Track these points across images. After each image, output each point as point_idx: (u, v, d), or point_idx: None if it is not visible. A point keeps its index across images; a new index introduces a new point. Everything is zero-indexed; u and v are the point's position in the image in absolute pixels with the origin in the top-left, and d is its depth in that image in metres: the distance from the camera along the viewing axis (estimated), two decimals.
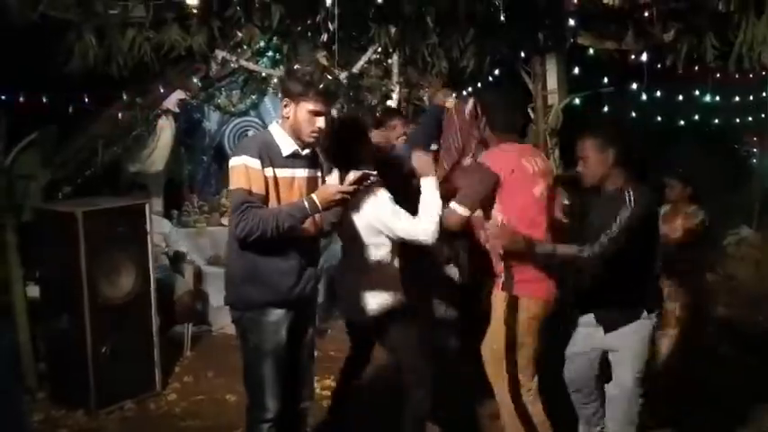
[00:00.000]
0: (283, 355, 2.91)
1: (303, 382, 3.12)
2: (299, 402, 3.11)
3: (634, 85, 5.57)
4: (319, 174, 3.10)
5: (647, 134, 6.46)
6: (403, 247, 3.27)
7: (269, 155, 2.82)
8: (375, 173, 2.94)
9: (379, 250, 3.20)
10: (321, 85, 2.88)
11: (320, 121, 2.85)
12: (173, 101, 4.73)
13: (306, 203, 2.80)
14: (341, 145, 3.17)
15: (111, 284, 4.13)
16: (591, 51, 5.05)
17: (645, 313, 3.18)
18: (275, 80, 5.17)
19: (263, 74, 5.11)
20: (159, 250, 5.36)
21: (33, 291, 4.38)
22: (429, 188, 3.12)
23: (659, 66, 4.82)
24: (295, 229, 2.81)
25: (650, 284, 3.31)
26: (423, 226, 3.05)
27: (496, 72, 5.53)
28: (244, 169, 2.76)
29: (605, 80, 5.62)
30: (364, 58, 4.95)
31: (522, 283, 3.14)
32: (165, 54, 4.46)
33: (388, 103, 5.11)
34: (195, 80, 4.72)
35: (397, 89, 5.07)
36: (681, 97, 6.33)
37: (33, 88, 4.20)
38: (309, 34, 4.85)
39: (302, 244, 2.93)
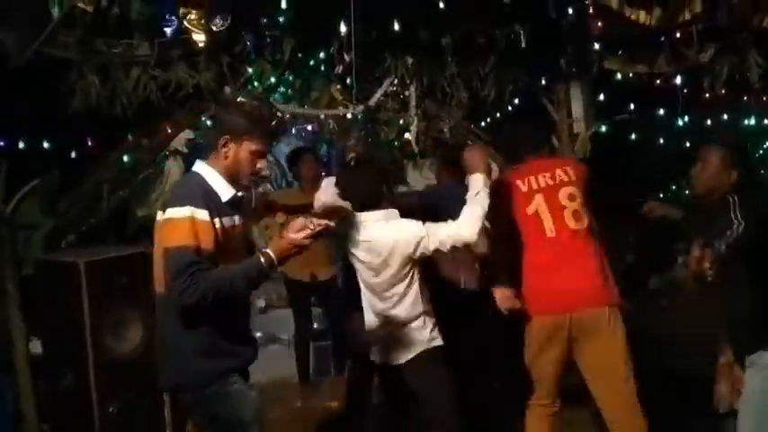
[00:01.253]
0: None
1: None
2: None
3: (662, 111, 5.33)
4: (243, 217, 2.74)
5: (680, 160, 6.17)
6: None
7: (213, 202, 2.48)
8: (330, 222, 2.62)
9: (411, 283, 3.12)
10: (272, 123, 2.60)
11: (261, 163, 2.58)
12: (181, 140, 4.51)
13: (262, 260, 2.46)
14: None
15: (118, 338, 3.86)
16: (618, 76, 4.82)
17: None
18: (287, 116, 4.94)
19: (274, 110, 4.88)
20: None
21: (36, 346, 4.13)
22: (477, 185, 3.07)
23: (689, 89, 4.60)
24: (248, 291, 2.56)
25: None
26: (466, 223, 2.99)
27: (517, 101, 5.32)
28: (189, 223, 2.38)
29: (632, 106, 5.37)
30: (380, 91, 4.73)
31: None
32: (172, 92, 4.27)
33: (406, 136, 4.87)
34: (204, 119, 4.49)
35: (414, 122, 4.85)
36: (711, 122, 6.06)
37: (33, 132, 3.98)
38: (323, 68, 4.67)
39: (245, 301, 2.70)
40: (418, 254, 3.05)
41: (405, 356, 3.18)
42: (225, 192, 2.52)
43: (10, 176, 3.94)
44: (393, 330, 3.18)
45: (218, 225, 2.46)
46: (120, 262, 3.92)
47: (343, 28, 3.90)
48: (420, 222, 3.07)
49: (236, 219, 2.59)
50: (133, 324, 3.93)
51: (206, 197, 2.46)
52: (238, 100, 2.73)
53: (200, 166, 2.57)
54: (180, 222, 2.40)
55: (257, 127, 2.55)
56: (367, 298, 3.25)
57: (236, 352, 2.58)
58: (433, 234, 3.02)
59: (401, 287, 3.13)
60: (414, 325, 3.16)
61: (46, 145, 4.12)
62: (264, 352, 3.68)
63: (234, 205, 2.57)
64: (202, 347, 2.50)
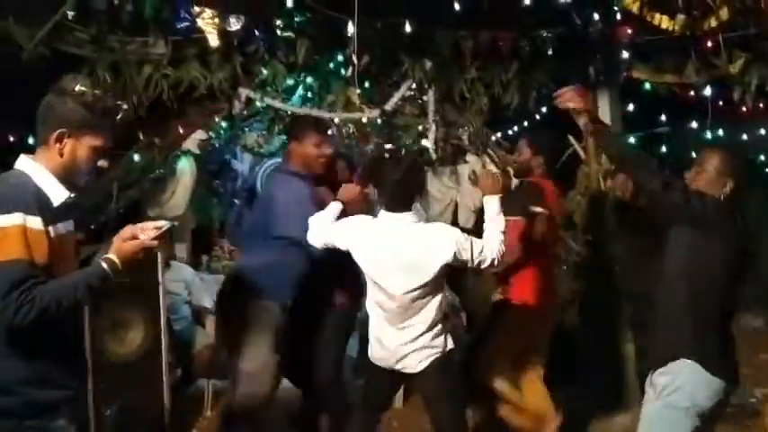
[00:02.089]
0: None
1: None
2: None
3: (694, 123, 5.12)
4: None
5: None
6: None
7: (45, 207, 2.15)
8: (174, 222, 2.41)
9: (438, 291, 3.08)
10: (117, 116, 2.44)
11: (102, 161, 2.33)
12: (193, 141, 4.46)
13: (105, 266, 2.18)
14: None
15: (117, 340, 3.82)
16: (647, 86, 4.63)
17: None
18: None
19: (289, 112, 4.81)
20: (181, 299, 5.06)
21: None
22: (494, 206, 3.18)
23: (722, 101, 4.39)
24: (84, 301, 2.22)
25: None
26: (491, 245, 3.05)
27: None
28: (20, 232, 2.06)
29: (663, 117, 5.17)
30: (398, 95, 4.62)
31: None
32: (185, 92, 4.22)
33: (424, 142, 4.75)
34: (217, 119, 4.44)
35: (432, 128, 4.72)
36: (746, 136, 5.81)
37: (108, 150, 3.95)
38: (342, 71, 4.58)
39: (72, 325, 2.39)
40: (458, 261, 3.00)
41: (421, 365, 3.11)
42: (56, 194, 2.21)
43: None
44: (410, 339, 3.09)
45: (52, 234, 2.16)
46: None
47: (352, 29, 3.79)
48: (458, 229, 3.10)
49: (69, 225, 2.30)
50: (133, 325, 3.89)
51: (38, 201, 2.14)
52: (77, 89, 2.23)
53: (25, 163, 2.22)
54: (10, 232, 2.07)
55: (101, 120, 2.25)
56: (383, 304, 3.12)
57: (66, 383, 2.25)
58: (475, 244, 3.02)
59: (428, 294, 3.04)
60: (432, 332, 3.09)
61: None
62: None
63: (66, 209, 2.27)
64: (33, 375, 2.18)
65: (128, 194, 4.43)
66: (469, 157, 5.00)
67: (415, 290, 3.01)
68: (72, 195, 2.25)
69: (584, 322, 4.95)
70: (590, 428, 4.40)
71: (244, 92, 4.43)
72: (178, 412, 4.27)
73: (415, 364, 3.11)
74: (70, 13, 3.86)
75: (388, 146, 4.86)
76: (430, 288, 3.03)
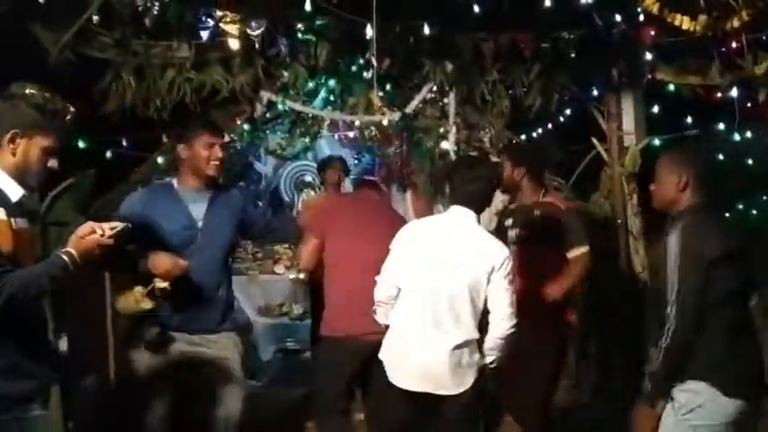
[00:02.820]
0: None
1: None
2: None
3: (721, 125, 5.04)
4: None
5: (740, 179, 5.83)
6: None
7: (5, 201, 2.26)
8: (128, 225, 2.41)
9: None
10: (66, 117, 2.37)
11: (53, 161, 2.37)
12: None
13: (65, 258, 2.25)
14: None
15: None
16: (671, 87, 4.58)
17: None
18: (327, 123, 4.89)
19: (310, 115, 4.84)
20: None
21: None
22: None
23: (749, 103, 4.32)
24: (46, 293, 2.31)
25: None
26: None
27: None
28: None
29: (689, 119, 5.09)
30: (418, 98, 4.62)
31: None
32: (208, 96, 4.26)
33: (444, 145, 4.74)
34: (239, 122, 4.48)
35: (453, 130, 4.70)
36: None
37: (70, 131, 4.01)
38: (364, 74, 4.59)
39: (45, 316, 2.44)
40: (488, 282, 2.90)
41: (457, 388, 2.88)
42: (13, 192, 2.30)
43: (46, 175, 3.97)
44: (451, 349, 2.86)
45: (14, 226, 2.26)
46: None
47: (371, 32, 3.79)
48: None
49: (26, 222, 2.36)
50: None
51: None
52: (27, 92, 2.31)
53: None
54: None
55: (51, 121, 2.32)
56: (420, 310, 2.91)
57: (36, 373, 2.31)
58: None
59: (475, 302, 2.90)
60: (473, 346, 2.92)
61: (82, 144, 4.14)
62: None
63: (23, 207, 2.34)
64: (4, 366, 2.24)
65: None
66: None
67: (464, 291, 2.88)
68: (25, 194, 2.33)
69: (606, 326, 4.89)
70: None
71: (266, 95, 4.46)
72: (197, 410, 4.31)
73: (456, 384, 2.87)
74: (95, 18, 3.92)
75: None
76: (476, 295, 2.89)
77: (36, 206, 2.59)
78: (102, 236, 2.29)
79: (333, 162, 5.36)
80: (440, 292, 2.87)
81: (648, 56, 4.41)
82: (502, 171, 3.49)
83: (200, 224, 3.19)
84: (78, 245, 2.29)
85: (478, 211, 2.99)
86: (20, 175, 2.33)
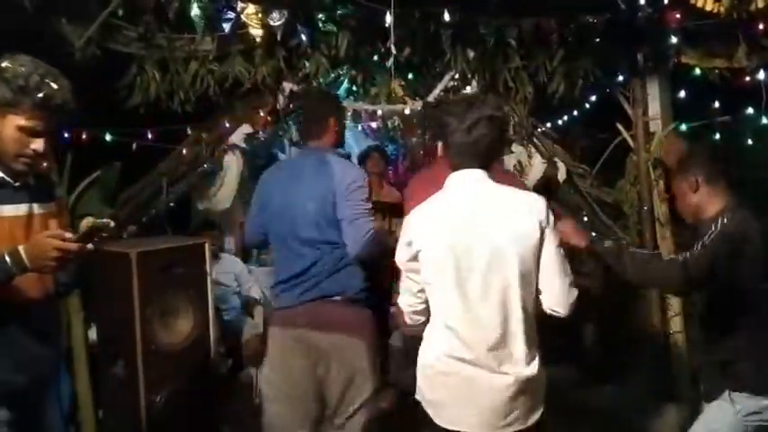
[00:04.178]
0: None
1: None
2: None
3: (750, 110, 4.94)
4: (54, 207, 2.27)
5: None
6: None
7: None
8: (112, 222, 2.18)
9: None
10: (41, 93, 2.10)
11: (37, 143, 2.15)
12: (239, 136, 4.52)
13: (7, 259, 2.05)
14: None
15: (167, 329, 3.91)
16: (698, 71, 4.50)
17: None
18: (349, 113, 4.89)
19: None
20: (230, 290, 5.17)
21: (95, 333, 4.24)
22: None
23: None
24: None
25: None
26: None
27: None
28: None
29: (716, 104, 5.00)
30: (440, 86, 4.60)
31: None
32: (230, 87, 4.29)
33: None
34: (262, 114, 4.50)
35: None
36: None
37: (96, 125, 4.08)
38: (387, 63, 4.57)
39: (27, 315, 2.20)
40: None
41: (534, 415, 2.28)
42: None
43: (74, 167, 4.04)
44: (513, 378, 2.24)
45: None
46: (173, 253, 3.95)
47: (389, 19, 3.78)
48: None
49: (5, 209, 2.20)
50: (183, 315, 3.97)
51: None
52: (2, 65, 2.12)
53: None
54: None
55: (25, 98, 2.10)
56: (460, 321, 2.25)
57: (5, 375, 2.15)
58: None
59: (525, 296, 2.26)
60: (535, 362, 2.28)
61: (108, 138, 4.19)
62: None
63: (4, 191, 2.19)
64: None
65: (177, 188, 4.53)
66: (515, 148, 4.94)
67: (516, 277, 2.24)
68: (5, 177, 2.18)
69: (632, 315, 4.85)
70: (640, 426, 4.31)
71: (288, 86, 4.47)
72: (227, 400, 4.37)
73: (526, 413, 2.25)
74: (119, 12, 3.96)
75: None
76: (527, 285, 2.25)
77: (37, 186, 2.30)
78: (64, 240, 2.06)
79: (371, 152, 5.49)
80: (489, 294, 2.24)
81: (674, 39, 4.34)
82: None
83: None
84: (34, 245, 2.09)
85: (487, 167, 2.35)
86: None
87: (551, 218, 2.28)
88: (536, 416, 2.28)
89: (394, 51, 3.88)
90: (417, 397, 2.38)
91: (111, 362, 3.93)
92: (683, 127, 4.84)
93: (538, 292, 2.29)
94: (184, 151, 4.43)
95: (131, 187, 4.40)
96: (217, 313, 4.29)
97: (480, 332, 2.23)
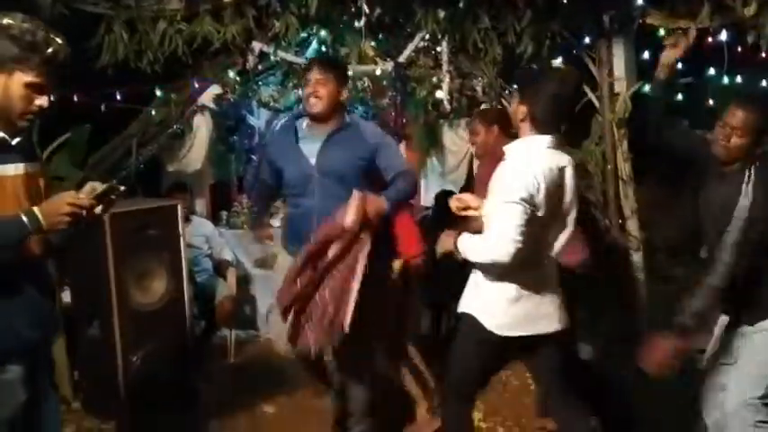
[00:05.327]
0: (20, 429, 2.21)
1: None
2: None
3: (712, 70, 5.06)
4: (38, 166, 2.29)
5: None
6: None
7: None
8: (122, 187, 2.25)
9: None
10: (50, 49, 2.10)
11: (42, 100, 2.16)
12: (208, 97, 4.50)
13: (24, 219, 2.07)
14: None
15: (142, 290, 3.94)
16: (661, 32, 4.59)
17: None
18: None
19: (303, 66, 4.82)
20: (202, 253, 5.18)
21: (67, 296, 4.24)
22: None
23: (740, 47, 4.34)
24: (5, 253, 2.11)
25: None
26: None
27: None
28: None
29: (679, 64, 5.11)
30: (411, 47, 4.62)
31: None
32: (199, 47, 4.26)
33: (437, 94, 4.75)
34: (232, 74, 4.48)
35: (447, 79, 4.71)
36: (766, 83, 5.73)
37: (64, 86, 4.02)
38: (357, 23, 4.58)
39: (35, 273, 2.24)
40: None
41: (554, 325, 2.75)
42: None
43: (42, 130, 3.99)
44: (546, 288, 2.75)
45: None
46: (146, 215, 3.96)
47: None
48: None
49: (8, 169, 2.18)
50: (158, 276, 4.00)
51: None
52: (3, 22, 2.10)
53: None
54: None
55: (34, 54, 2.10)
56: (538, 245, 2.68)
57: (11, 331, 2.17)
58: None
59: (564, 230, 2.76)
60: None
61: (76, 99, 4.15)
62: None
63: (2, 151, 2.17)
64: None
65: (147, 150, 4.51)
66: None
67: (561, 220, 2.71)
68: (6, 137, 2.18)
69: (598, 272, 4.99)
70: None
71: (257, 46, 4.44)
72: (202, 360, 4.43)
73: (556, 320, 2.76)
74: None
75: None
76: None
77: (27, 145, 2.30)
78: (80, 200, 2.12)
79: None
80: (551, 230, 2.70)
81: (639, 1, 4.41)
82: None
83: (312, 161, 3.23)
84: (50, 206, 2.12)
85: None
86: (1, 115, 2.17)
87: None
88: None
89: (366, 11, 3.88)
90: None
91: (86, 323, 3.95)
92: (647, 88, 4.95)
93: None
94: (153, 112, 4.39)
95: (101, 149, 4.36)
96: (189, 275, 4.31)
97: None
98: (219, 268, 5.26)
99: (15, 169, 2.20)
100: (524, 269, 2.61)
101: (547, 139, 2.63)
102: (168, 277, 4.03)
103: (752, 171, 2.63)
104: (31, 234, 2.12)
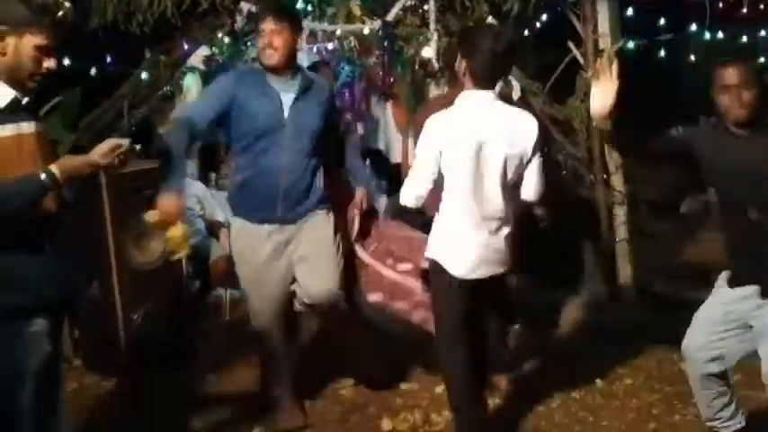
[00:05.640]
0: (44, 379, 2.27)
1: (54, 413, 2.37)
2: None
3: (694, 27, 5.14)
4: (41, 126, 2.33)
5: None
6: None
7: None
8: (138, 145, 2.32)
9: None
10: (61, 12, 2.17)
11: (50, 62, 2.20)
12: (198, 57, 4.52)
13: (43, 176, 2.11)
14: None
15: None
16: None
17: None
18: (306, 33, 4.89)
19: None
20: (194, 214, 5.23)
21: None
22: None
23: (722, 3, 4.41)
24: (23, 212, 2.13)
25: None
26: None
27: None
28: None
29: (662, 21, 5.19)
30: (398, 5, 4.63)
31: None
32: (188, 9, 4.27)
33: (425, 53, 4.79)
34: (221, 35, 4.49)
35: (434, 38, 4.74)
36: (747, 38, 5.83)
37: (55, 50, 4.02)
38: None
39: (46, 228, 2.27)
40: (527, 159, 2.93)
41: (499, 268, 3.00)
42: (2, 95, 2.16)
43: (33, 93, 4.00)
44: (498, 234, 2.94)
45: None
46: (142, 175, 3.99)
47: None
48: None
49: (23, 127, 2.21)
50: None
51: None
52: None
53: None
54: None
55: (42, 17, 2.14)
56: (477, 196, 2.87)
57: (34, 286, 2.21)
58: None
59: (517, 180, 2.94)
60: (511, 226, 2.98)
61: (66, 62, 4.14)
62: None
63: (13, 111, 2.19)
64: None
65: (138, 112, 4.53)
66: None
67: (511, 170, 2.88)
68: (18, 95, 2.20)
69: (580, 223, 5.12)
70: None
71: (246, 6, 4.44)
72: (198, 318, 4.52)
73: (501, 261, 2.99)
74: None
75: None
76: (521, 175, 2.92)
77: (34, 106, 2.38)
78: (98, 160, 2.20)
79: (320, 67, 5.19)
80: (487, 185, 2.86)
81: None
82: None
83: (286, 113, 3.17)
84: (67, 163, 2.19)
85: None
86: (11, 76, 2.19)
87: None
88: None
89: None
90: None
91: (86, 283, 4.02)
92: (631, 44, 5.02)
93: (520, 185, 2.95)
94: (144, 75, 4.40)
95: (92, 112, 4.38)
96: None
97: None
98: (212, 229, 5.32)
99: (29, 127, 2.25)
100: (464, 214, 2.86)
101: (485, 94, 2.86)
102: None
103: None
104: (49, 191, 2.17)
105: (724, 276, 2.76)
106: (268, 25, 3.09)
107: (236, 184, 3.35)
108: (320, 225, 3.31)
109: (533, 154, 2.90)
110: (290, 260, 3.29)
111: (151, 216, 2.96)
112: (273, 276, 3.30)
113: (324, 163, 3.32)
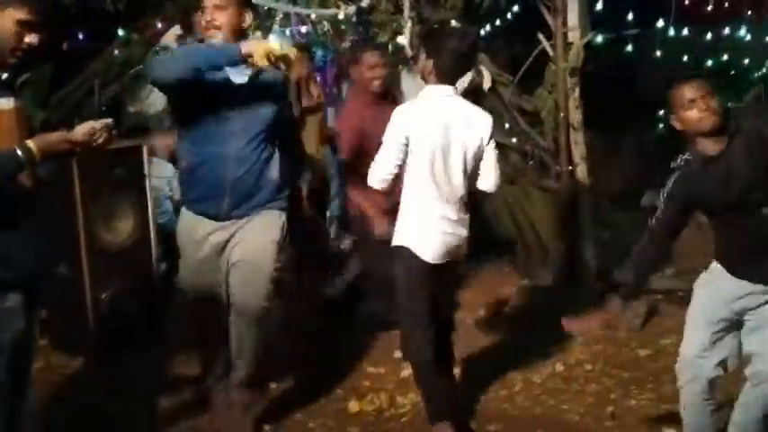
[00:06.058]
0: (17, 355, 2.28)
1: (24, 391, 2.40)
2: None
3: (661, 22, 5.26)
4: (18, 102, 2.32)
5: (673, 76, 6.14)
6: None
7: None
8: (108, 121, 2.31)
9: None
10: None
11: (32, 37, 2.22)
12: (171, 36, 4.48)
13: (20, 153, 2.13)
14: None
15: (109, 229, 4.00)
16: None
17: None
18: (280, 15, 4.90)
19: (266, 8, 4.83)
20: (163, 195, 5.21)
21: None
22: None
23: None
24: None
25: None
26: None
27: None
28: None
29: (630, 16, 5.30)
30: None
31: None
32: None
33: (399, 39, 4.83)
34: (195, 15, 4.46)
35: (408, 25, 4.78)
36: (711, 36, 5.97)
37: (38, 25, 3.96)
38: None
39: (22, 204, 2.28)
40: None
41: (457, 253, 3.14)
42: None
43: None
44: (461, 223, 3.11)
45: None
46: (113, 155, 3.98)
47: None
48: None
49: (2, 103, 2.23)
50: (125, 215, 4.06)
51: None
52: None
53: None
54: None
55: None
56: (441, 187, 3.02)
57: (6, 261, 2.22)
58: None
59: (476, 173, 3.11)
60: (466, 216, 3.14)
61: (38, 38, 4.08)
62: None
63: None
64: None
65: (109, 90, 4.50)
66: None
67: (470, 155, 3.04)
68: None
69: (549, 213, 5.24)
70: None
71: None
72: (166, 300, 4.51)
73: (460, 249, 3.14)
74: None
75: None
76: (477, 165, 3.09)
77: (12, 82, 2.37)
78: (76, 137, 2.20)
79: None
80: (450, 172, 3.01)
81: None
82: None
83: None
84: (44, 139, 2.20)
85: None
86: None
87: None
88: None
89: None
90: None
91: (54, 261, 3.99)
92: (599, 38, 5.13)
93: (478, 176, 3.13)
94: (116, 52, 4.37)
95: (63, 89, 4.33)
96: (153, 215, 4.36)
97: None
98: (179, 210, 5.30)
99: (8, 103, 2.25)
100: (431, 199, 3.01)
101: (448, 88, 3.02)
102: (134, 216, 4.10)
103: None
104: (25, 168, 2.18)
105: (718, 272, 2.72)
106: (210, 0, 2.82)
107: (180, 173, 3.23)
108: (265, 227, 3.08)
109: (488, 143, 3.08)
110: (228, 261, 3.10)
111: (261, 58, 2.69)
112: (210, 277, 3.14)
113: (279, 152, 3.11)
